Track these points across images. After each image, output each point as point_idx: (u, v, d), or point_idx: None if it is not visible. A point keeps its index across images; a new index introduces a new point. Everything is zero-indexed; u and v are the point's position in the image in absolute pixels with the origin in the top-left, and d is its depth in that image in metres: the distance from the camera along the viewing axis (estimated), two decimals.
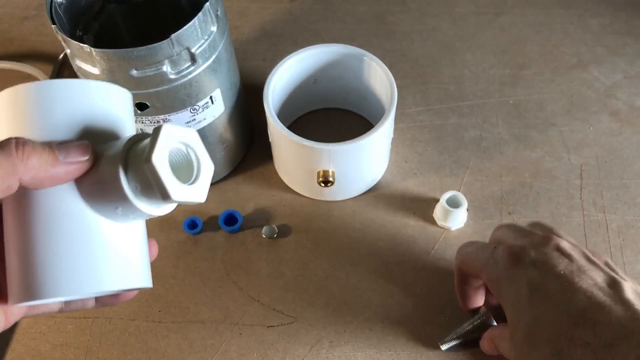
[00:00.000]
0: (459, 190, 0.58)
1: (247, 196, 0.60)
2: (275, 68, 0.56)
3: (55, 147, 0.28)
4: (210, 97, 0.50)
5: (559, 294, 0.37)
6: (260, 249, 0.56)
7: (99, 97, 0.31)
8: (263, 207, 0.59)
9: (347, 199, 0.59)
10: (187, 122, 0.51)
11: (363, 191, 0.59)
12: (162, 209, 0.32)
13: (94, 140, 0.30)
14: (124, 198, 0.29)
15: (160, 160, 0.28)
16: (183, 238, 0.57)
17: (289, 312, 0.53)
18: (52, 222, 0.29)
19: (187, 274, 0.55)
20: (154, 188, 0.28)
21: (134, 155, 0.29)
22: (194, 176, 0.31)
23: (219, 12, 0.48)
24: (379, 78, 0.57)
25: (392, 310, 0.52)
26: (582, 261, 0.39)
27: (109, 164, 0.29)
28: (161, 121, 0.49)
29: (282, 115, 0.57)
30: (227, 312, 0.53)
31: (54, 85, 0.30)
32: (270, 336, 0.51)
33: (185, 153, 0.31)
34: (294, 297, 0.53)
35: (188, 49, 0.45)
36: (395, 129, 0.58)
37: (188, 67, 0.46)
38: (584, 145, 0.62)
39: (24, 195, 0.29)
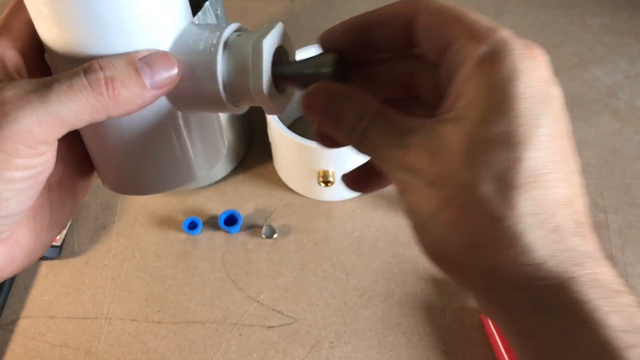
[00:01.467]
0: None
1: (247, 196, 0.59)
2: None
3: (140, 68, 0.26)
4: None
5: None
6: (260, 249, 0.56)
7: None
8: (263, 207, 0.59)
9: (347, 199, 0.59)
10: None
11: None
12: (237, 109, 0.30)
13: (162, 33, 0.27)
14: (219, 106, 0.28)
15: (269, 47, 0.26)
16: (183, 238, 0.57)
17: (289, 312, 0.52)
18: (145, 127, 0.29)
19: (187, 275, 0.55)
20: (247, 77, 0.26)
21: (237, 74, 0.27)
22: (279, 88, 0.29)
23: (218, 12, 0.48)
24: None
25: (392, 310, 0.52)
26: None
27: (206, 72, 0.27)
28: None
29: (282, 115, 0.57)
30: (227, 313, 0.53)
31: None
32: (270, 337, 0.51)
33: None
34: (294, 297, 0.53)
35: None
36: None
37: None
38: (585, 145, 0.61)
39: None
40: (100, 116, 0.26)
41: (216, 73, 0.27)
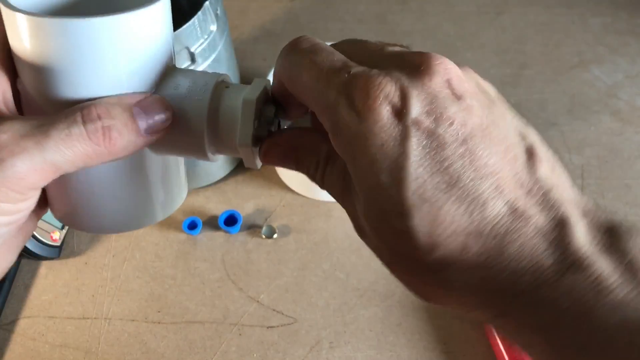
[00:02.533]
0: None
1: (247, 196, 0.59)
2: None
3: (135, 114, 0.26)
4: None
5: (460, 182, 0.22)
6: (260, 249, 0.56)
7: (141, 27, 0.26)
8: (263, 207, 0.59)
9: None
10: None
11: None
12: (213, 157, 0.30)
13: (147, 76, 0.27)
14: (200, 154, 0.28)
15: (259, 104, 0.27)
16: (183, 238, 0.57)
17: (289, 312, 0.52)
18: (120, 169, 0.28)
19: (187, 275, 0.55)
20: (235, 130, 0.27)
21: (224, 127, 0.27)
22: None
23: (218, 11, 0.48)
24: None
25: (392, 310, 0.52)
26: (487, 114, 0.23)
27: (194, 122, 0.27)
28: None
29: None
30: (227, 313, 0.52)
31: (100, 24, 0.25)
32: (270, 337, 0.51)
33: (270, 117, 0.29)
34: (294, 297, 0.53)
35: (187, 48, 0.45)
36: None
37: (187, 67, 0.46)
38: (585, 145, 0.61)
39: None
40: (93, 163, 0.26)
41: (203, 123, 0.27)
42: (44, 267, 0.56)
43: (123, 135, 0.26)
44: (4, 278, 0.53)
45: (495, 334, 0.49)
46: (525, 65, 0.67)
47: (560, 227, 0.21)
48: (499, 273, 0.21)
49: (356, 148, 0.23)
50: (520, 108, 0.66)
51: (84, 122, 0.25)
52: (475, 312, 0.23)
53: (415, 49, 0.25)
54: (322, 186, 0.27)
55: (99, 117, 0.25)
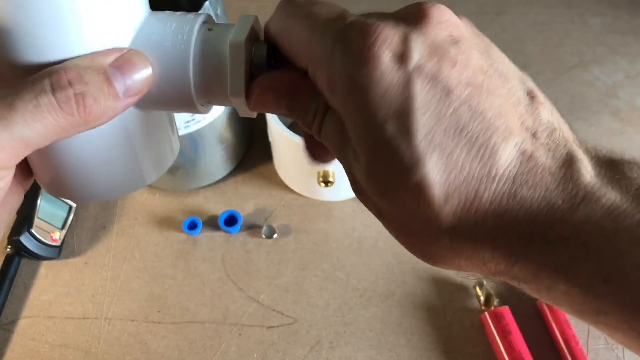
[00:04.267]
0: None
1: (247, 196, 0.59)
2: None
3: (111, 75, 0.23)
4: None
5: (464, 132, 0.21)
6: (260, 249, 0.56)
7: None
8: (263, 207, 0.59)
9: (347, 199, 0.59)
10: (187, 122, 0.51)
11: None
12: (205, 109, 0.27)
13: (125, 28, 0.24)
14: (189, 106, 0.25)
15: (248, 48, 0.24)
16: (182, 238, 0.57)
17: (288, 312, 0.52)
18: (110, 133, 0.26)
19: (187, 275, 0.55)
20: (224, 79, 0.24)
21: (209, 42, 0.24)
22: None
23: (218, 11, 0.48)
24: None
25: (392, 310, 0.52)
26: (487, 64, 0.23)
27: (178, 70, 0.24)
28: None
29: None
30: (227, 313, 0.52)
31: None
32: (270, 337, 0.51)
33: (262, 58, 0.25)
34: (294, 297, 0.53)
35: None
36: None
37: None
38: None
39: None
40: (68, 135, 0.23)
41: (189, 73, 0.24)
42: (44, 267, 0.56)
43: (99, 102, 0.23)
44: (4, 278, 0.53)
45: (496, 334, 0.49)
46: (525, 65, 0.67)
47: (567, 165, 0.21)
48: (513, 217, 0.21)
49: (356, 99, 0.21)
50: None
51: (53, 90, 0.22)
52: (489, 265, 0.22)
53: None
54: (319, 136, 0.25)
55: (70, 84, 0.22)
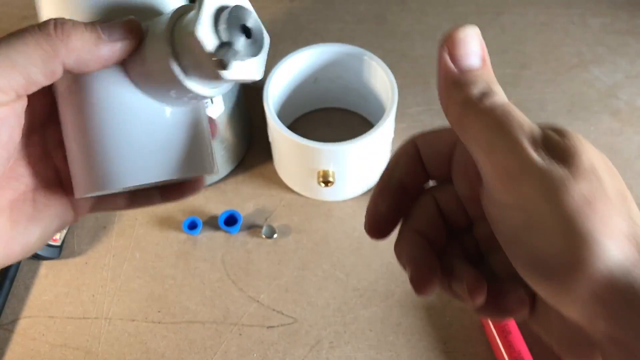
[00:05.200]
0: None
1: (247, 196, 0.59)
2: (275, 68, 0.56)
3: (98, 25, 0.26)
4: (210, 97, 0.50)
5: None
6: (260, 249, 0.56)
7: None
8: (263, 207, 0.59)
9: (347, 199, 0.59)
10: None
11: (363, 191, 0.59)
12: (219, 89, 0.29)
13: (141, 17, 0.27)
14: (174, 79, 0.27)
15: (207, 32, 0.25)
16: (183, 238, 0.57)
17: (289, 312, 0.52)
18: (106, 111, 0.28)
19: (187, 275, 0.55)
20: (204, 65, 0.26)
21: (180, 29, 0.26)
22: (250, 47, 0.27)
23: None
24: (380, 78, 0.56)
25: (392, 310, 0.52)
26: None
27: (156, 42, 0.26)
28: None
29: (282, 115, 0.56)
30: (227, 313, 0.52)
31: None
32: (270, 337, 0.51)
33: (239, 20, 0.26)
34: (294, 297, 0.53)
35: None
36: (395, 129, 0.58)
37: None
38: None
39: (74, 84, 0.28)
40: (53, 62, 0.25)
41: (166, 43, 0.26)
42: (44, 267, 0.56)
43: (79, 31, 0.25)
44: (4, 278, 0.53)
45: (495, 334, 0.49)
46: (525, 66, 0.67)
47: None
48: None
49: (548, 194, 0.21)
50: (520, 108, 0.65)
51: (39, 26, 0.25)
52: (592, 325, 0.22)
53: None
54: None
55: (54, 19, 0.26)
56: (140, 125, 0.28)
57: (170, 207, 0.59)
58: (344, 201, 0.59)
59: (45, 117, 0.32)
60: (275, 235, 0.56)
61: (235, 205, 0.59)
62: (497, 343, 0.48)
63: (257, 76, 0.27)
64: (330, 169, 0.53)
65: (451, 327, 0.51)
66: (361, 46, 0.57)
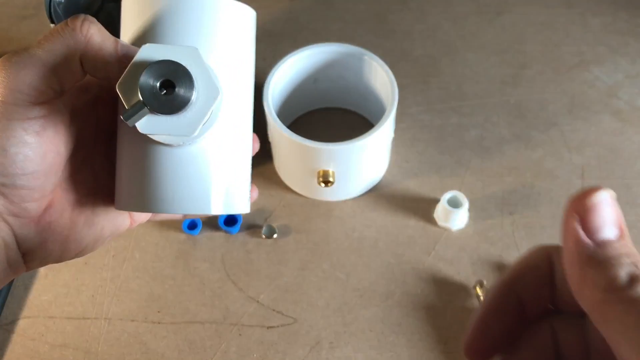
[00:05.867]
0: (459, 191, 0.57)
1: None
2: (275, 68, 0.55)
3: (118, 41, 0.29)
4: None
5: None
6: (260, 249, 0.56)
7: (221, 14, 0.32)
8: (263, 207, 0.59)
9: (347, 199, 0.59)
10: None
11: (363, 191, 0.59)
12: (185, 137, 0.30)
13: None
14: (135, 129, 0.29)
15: (124, 87, 0.27)
16: (182, 238, 0.57)
17: (288, 312, 0.52)
18: (133, 151, 0.31)
19: (187, 275, 0.55)
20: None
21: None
22: (163, 105, 0.28)
23: None
24: (380, 77, 0.56)
25: (392, 311, 0.52)
26: None
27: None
28: None
29: (282, 115, 0.56)
30: (227, 313, 0.52)
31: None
32: (270, 337, 0.51)
33: (160, 76, 0.28)
34: (294, 297, 0.53)
35: None
36: (395, 129, 0.58)
37: None
38: (585, 145, 0.61)
39: (119, 129, 0.33)
40: (72, 55, 0.28)
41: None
42: (44, 267, 0.56)
43: (100, 33, 0.28)
44: None
45: None
46: (525, 65, 0.67)
47: None
48: None
49: None
50: (520, 108, 0.66)
51: (66, 23, 0.28)
52: None
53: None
54: None
55: (84, 16, 0.29)
56: (158, 164, 0.31)
57: None
58: (344, 201, 0.59)
59: (113, 130, 0.34)
60: (275, 235, 0.56)
61: None
62: None
63: (187, 133, 0.29)
64: (330, 169, 0.53)
65: (451, 328, 0.51)
66: (361, 46, 0.57)
